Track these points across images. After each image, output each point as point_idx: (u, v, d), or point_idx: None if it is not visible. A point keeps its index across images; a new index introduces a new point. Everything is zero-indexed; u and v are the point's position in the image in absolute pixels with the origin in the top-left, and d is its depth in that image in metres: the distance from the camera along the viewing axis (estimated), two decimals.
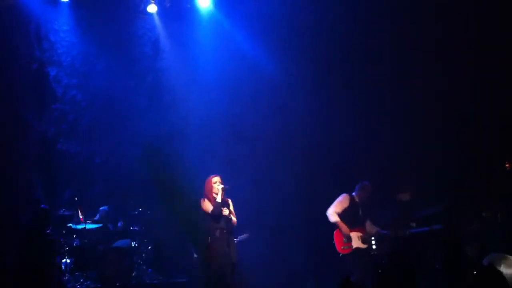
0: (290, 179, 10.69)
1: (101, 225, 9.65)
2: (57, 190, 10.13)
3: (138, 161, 10.49)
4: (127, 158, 10.65)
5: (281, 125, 10.89)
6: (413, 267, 4.18)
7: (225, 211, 7.45)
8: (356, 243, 8.44)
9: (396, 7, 10.10)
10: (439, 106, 10.13)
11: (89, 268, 9.13)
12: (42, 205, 8.61)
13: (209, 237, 7.44)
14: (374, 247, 8.54)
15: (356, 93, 10.61)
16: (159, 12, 10.97)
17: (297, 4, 10.60)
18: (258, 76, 10.88)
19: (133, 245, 9.60)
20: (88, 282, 8.99)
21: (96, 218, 9.77)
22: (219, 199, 7.46)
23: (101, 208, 9.95)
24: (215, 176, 7.63)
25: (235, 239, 7.82)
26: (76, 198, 9.58)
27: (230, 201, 7.66)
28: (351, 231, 8.45)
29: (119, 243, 9.48)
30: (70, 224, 9.28)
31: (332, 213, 8.46)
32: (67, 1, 10.46)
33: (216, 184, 7.54)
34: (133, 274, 9.39)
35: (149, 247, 9.86)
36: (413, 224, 8.82)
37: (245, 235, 9.24)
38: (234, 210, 7.67)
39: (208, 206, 7.48)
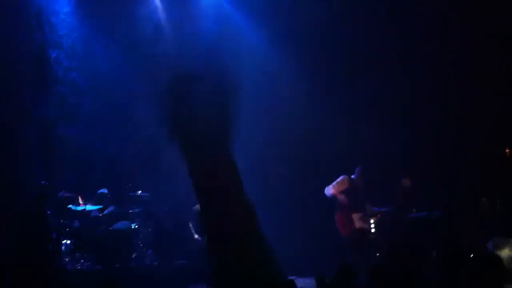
0: (287, 164, 10.71)
1: (100, 206, 9.68)
2: (57, 173, 10.13)
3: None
4: (127, 142, 10.64)
5: (277, 108, 10.87)
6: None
7: None
8: (356, 224, 8.48)
9: None
10: (438, 92, 10.17)
11: (89, 249, 9.15)
12: (42, 182, 8.63)
13: None
14: (373, 230, 8.62)
15: (354, 81, 10.63)
16: None
17: None
18: (257, 60, 10.84)
19: (132, 227, 9.63)
20: (88, 263, 9.03)
21: (95, 201, 9.78)
22: None
23: (99, 191, 9.96)
24: None
25: None
26: (76, 182, 9.59)
27: None
28: (352, 213, 8.50)
29: (119, 225, 9.50)
30: (70, 206, 9.31)
31: (329, 189, 8.50)
32: None
33: None
34: (133, 256, 9.43)
35: (149, 229, 9.90)
36: (413, 210, 8.87)
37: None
38: None
39: None
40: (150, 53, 11.19)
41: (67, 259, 8.90)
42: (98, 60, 10.76)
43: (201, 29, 10.16)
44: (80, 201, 9.41)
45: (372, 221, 8.67)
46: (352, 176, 8.70)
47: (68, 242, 8.99)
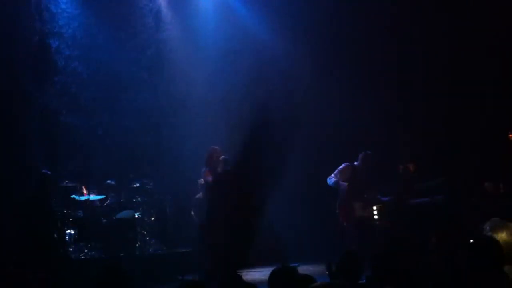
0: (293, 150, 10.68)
1: (104, 195, 9.71)
2: (60, 162, 10.15)
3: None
4: (128, 130, 10.65)
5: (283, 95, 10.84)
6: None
7: None
8: (359, 212, 8.48)
9: None
10: (439, 77, 10.12)
11: (93, 239, 9.20)
12: (43, 170, 8.66)
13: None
14: (376, 217, 8.60)
15: (359, 66, 10.58)
16: None
17: None
18: (260, 48, 10.79)
19: (136, 216, 9.66)
20: (92, 252, 9.07)
21: (101, 191, 9.82)
22: (220, 170, 7.50)
23: (107, 181, 9.99)
24: (215, 148, 7.64)
25: None
26: (79, 172, 9.61)
27: None
28: (354, 201, 8.49)
29: (123, 214, 9.54)
30: (74, 196, 9.34)
31: (332, 177, 8.49)
32: None
33: (217, 154, 7.57)
34: (137, 245, 9.47)
35: (153, 218, 9.93)
36: (415, 196, 8.86)
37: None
38: None
39: (209, 176, 7.51)
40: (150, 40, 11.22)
41: (71, 249, 8.94)
42: (99, 49, 10.72)
43: None
44: (84, 191, 9.44)
45: (375, 208, 8.63)
46: (355, 163, 8.68)
47: (72, 232, 9.02)
